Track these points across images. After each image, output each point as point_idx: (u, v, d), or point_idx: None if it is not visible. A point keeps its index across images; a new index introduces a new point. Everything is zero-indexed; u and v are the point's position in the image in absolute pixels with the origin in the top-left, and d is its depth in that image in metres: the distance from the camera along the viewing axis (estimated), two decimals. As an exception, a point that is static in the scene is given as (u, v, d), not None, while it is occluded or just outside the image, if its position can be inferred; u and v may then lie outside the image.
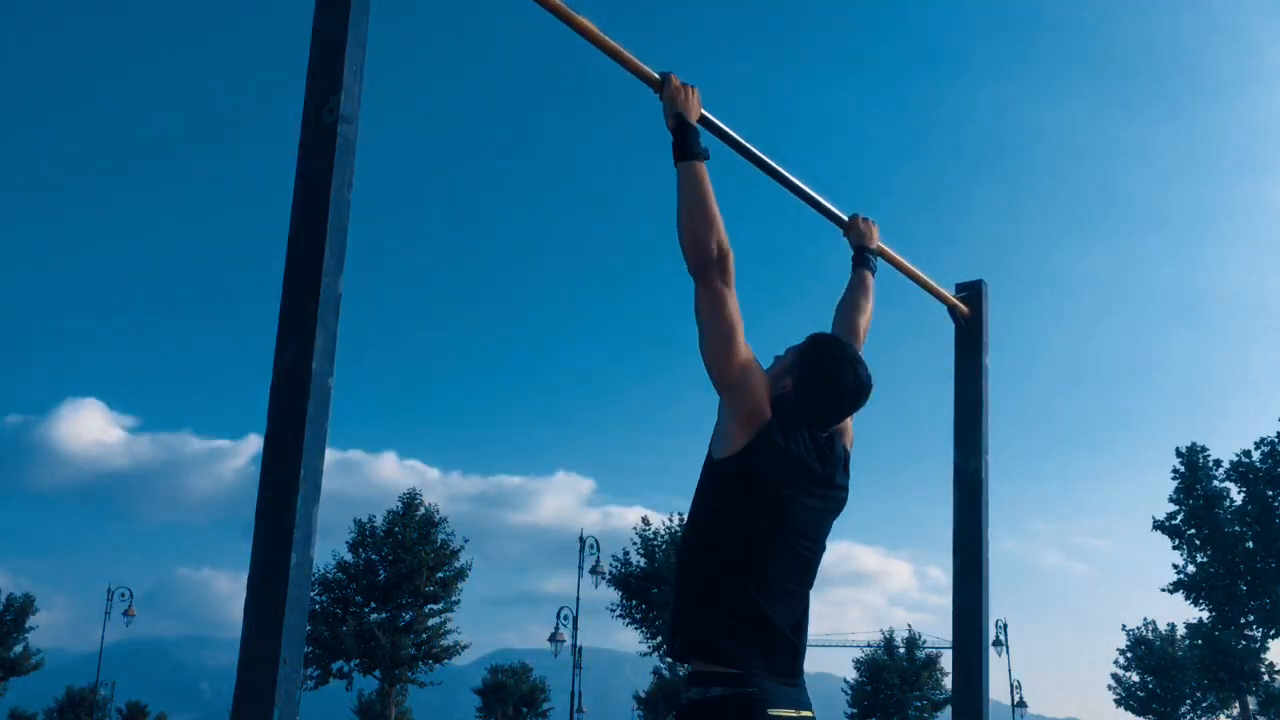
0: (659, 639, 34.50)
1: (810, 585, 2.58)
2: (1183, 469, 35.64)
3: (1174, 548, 35.19)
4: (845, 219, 3.50)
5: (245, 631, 1.93)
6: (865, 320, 3.22)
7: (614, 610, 35.59)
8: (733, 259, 2.45)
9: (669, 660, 35.08)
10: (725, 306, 2.42)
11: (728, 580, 2.42)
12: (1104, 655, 42.38)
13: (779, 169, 3.21)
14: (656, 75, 2.73)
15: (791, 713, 2.41)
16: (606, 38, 2.69)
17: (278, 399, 2.02)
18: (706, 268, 2.42)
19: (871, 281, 3.36)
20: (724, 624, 2.40)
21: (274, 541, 1.94)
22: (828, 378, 2.57)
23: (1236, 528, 34.62)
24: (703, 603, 2.44)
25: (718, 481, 2.47)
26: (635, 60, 2.72)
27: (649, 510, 39.22)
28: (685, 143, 2.59)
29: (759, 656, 2.39)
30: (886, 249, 3.57)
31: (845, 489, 2.66)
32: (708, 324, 2.42)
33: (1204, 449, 35.82)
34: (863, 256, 3.42)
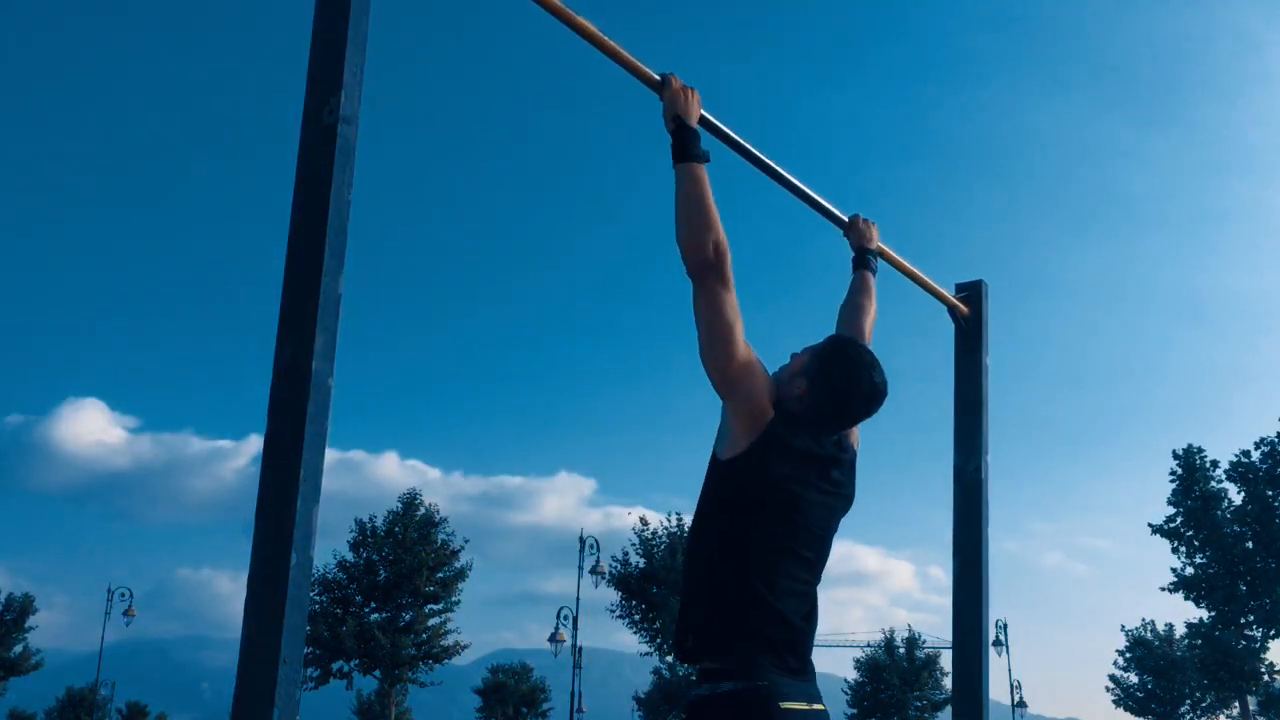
0: (659, 639, 34.51)
1: (818, 580, 2.57)
2: (1180, 470, 35.66)
3: (1172, 550, 35.21)
4: (845, 219, 3.51)
5: (245, 631, 1.93)
6: (869, 322, 3.22)
7: (614, 610, 35.60)
8: (730, 259, 2.43)
9: (669, 660, 35.09)
10: (724, 306, 2.41)
11: (738, 578, 2.41)
12: (1104, 655, 42.42)
13: (779, 170, 3.21)
14: (657, 77, 2.73)
15: (803, 705, 2.39)
16: (607, 39, 2.69)
17: (278, 399, 2.02)
18: (704, 268, 2.42)
19: (873, 283, 3.37)
20: (734, 621, 2.40)
21: (274, 541, 1.93)
22: (845, 382, 2.54)
23: (1236, 528, 34.62)
24: (712, 601, 2.43)
25: (725, 481, 2.46)
26: (636, 62, 2.72)
27: (650, 511, 39.20)
28: (684, 144, 2.59)
29: (769, 653, 2.38)
30: (886, 249, 3.57)
31: (853, 486, 2.65)
32: (706, 324, 2.41)
33: (1201, 450, 35.84)
34: (863, 257, 3.42)
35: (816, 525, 2.51)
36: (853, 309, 3.26)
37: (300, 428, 1.96)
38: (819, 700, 2.47)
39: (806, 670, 2.47)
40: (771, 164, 3.18)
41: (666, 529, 35.75)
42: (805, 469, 2.47)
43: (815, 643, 2.52)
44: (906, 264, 3.72)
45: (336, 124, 2.10)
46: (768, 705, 2.33)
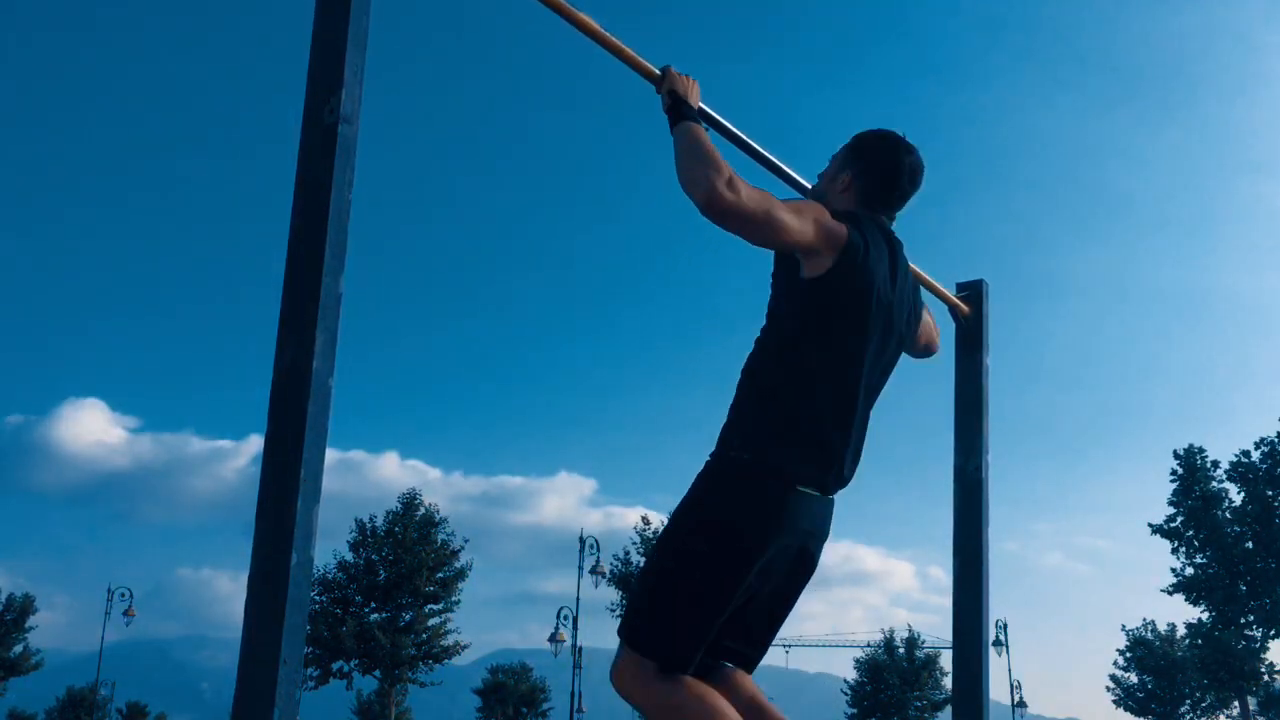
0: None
1: (869, 409, 2.61)
2: (1180, 471, 35.68)
3: (1172, 551, 35.23)
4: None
5: (245, 631, 1.92)
6: None
7: (614, 610, 35.59)
8: (733, 170, 2.36)
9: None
10: (754, 212, 2.33)
11: (799, 389, 2.45)
12: (1105, 655, 42.46)
13: (777, 162, 3.21)
14: (657, 70, 2.73)
15: (818, 493, 2.46)
16: (607, 33, 2.69)
17: (278, 399, 2.01)
18: (714, 189, 2.31)
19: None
20: (780, 427, 2.43)
21: (274, 541, 1.93)
22: (888, 159, 2.65)
23: (1236, 528, 34.64)
24: (763, 407, 2.45)
25: (804, 297, 2.47)
26: (635, 55, 2.72)
27: (652, 511, 39.21)
28: (679, 110, 2.59)
29: (799, 450, 2.43)
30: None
31: (920, 316, 2.79)
32: (755, 230, 2.35)
33: (1202, 450, 35.86)
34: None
35: (882, 350, 2.57)
36: None
37: (300, 428, 1.96)
38: (830, 509, 2.56)
39: (834, 481, 2.52)
40: (770, 156, 3.17)
41: (666, 529, 35.73)
42: (879, 297, 2.51)
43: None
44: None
45: (337, 124, 2.10)
46: (784, 482, 2.40)
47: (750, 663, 2.60)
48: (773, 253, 2.53)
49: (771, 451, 2.41)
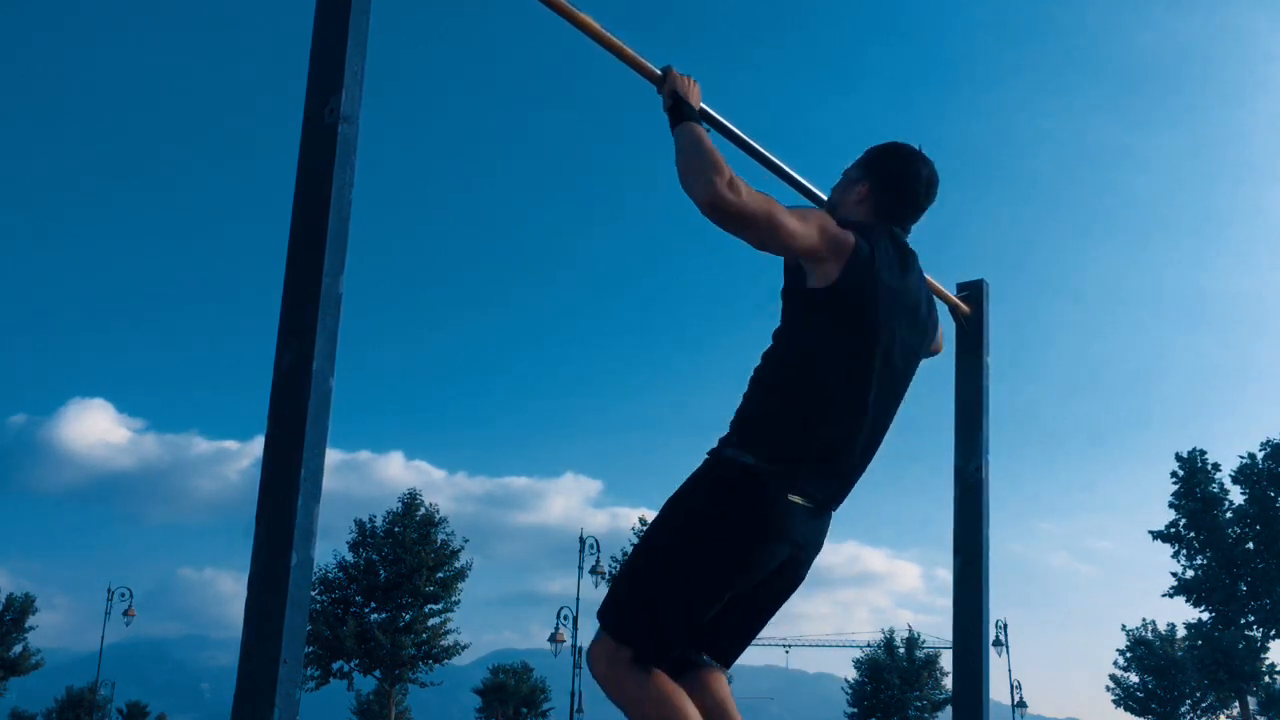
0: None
1: (888, 423, 2.58)
2: (1182, 473, 35.70)
3: (1172, 555, 35.26)
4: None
5: (245, 631, 1.92)
6: None
7: (614, 610, 35.57)
8: (734, 172, 2.35)
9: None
10: (755, 212, 2.32)
11: (808, 403, 2.42)
12: (1105, 655, 42.45)
13: (779, 163, 3.21)
14: (658, 71, 2.73)
15: (814, 507, 2.44)
16: (608, 33, 2.69)
17: (278, 400, 2.01)
18: (715, 190, 2.30)
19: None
20: (786, 437, 2.40)
21: (274, 541, 1.93)
22: (904, 170, 2.64)
23: (1237, 529, 34.66)
24: (770, 416, 2.43)
25: (814, 308, 2.44)
26: (636, 56, 2.72)
27: (653, 511, 39.15)
28: (680, 111, 2.59)
29: (805, 460, 2.40)
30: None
31: (936, 326, 2.75)
32: (757, 233, 2.34)
33: (1204, 453, 35.90)
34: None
35: (898, 360, 2.53)
36: None
37: (301, 428, 1.95)
38: (825, 525, 2.54)
39: (832, 504, 2.51)
40: (771, 157, 3.17)
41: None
42: (894, 302, 2.48)
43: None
44: (907, 264, 3.71)
45: (337, 124, 2.10)
46: (774, 486, 2.37)
47: (728, 659, 2.58)
48: (783, 263, 2.52)
49: (774, 459, 2.39)
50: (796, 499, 2.40)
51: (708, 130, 2.59)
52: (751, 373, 2.54)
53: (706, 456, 2.46)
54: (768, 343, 2.55)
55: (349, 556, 35.13)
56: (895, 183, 2.63)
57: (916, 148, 2.71)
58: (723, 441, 2.45)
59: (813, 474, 2.42)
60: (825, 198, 3.42)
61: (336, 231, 2.07)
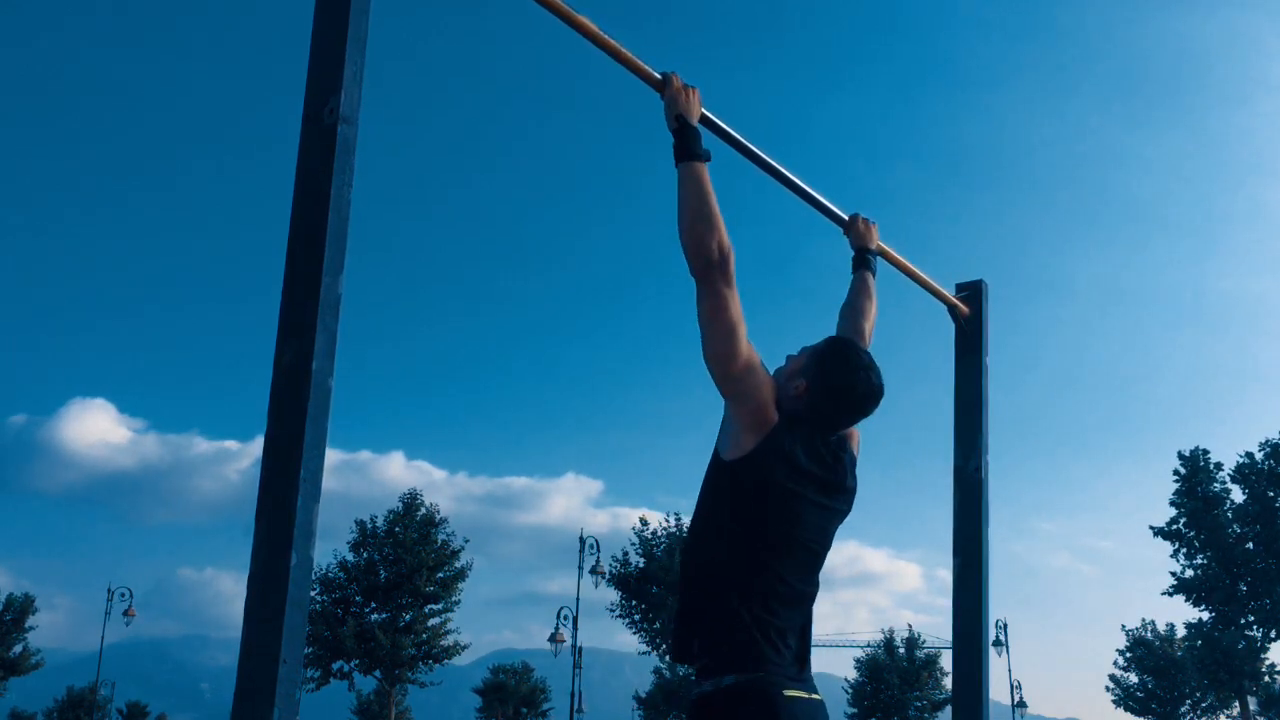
0: (659, 639, 34.49)
1: (817, 587, 2.57)
2: (1184, 471, 35.69)
3: (1172, 554, 35.25)
4: (846, 219, 3.50)
5: (245, 631, 1.92)
6: (870, 324, 3.23)
7: (614, 610, 35.59)
8: (734, 259, 2.43)
9: (669, 660, 35.06)
10: (727, 307, 2.40)
11: (738, 580, 2.42)
12: (1104, 655, 42.41)
13: (780, 168, 3.21)
14: (658, 75, 2.72)
15: (804, 694, 2.41)
16: (608, 37, 2.69)
17: (278, 399, 2.01)
18: (708, 268, 2.41)
19: (873, 284, 3.37)
20: (734, 622, 2.40)
21: (274, 541, 1.93)
22: (842, 382, 2.57)
23: (1237, 528, 34.65)
24: (712, 602, 2.43)
25: (726, 483, 2.46)
26: (637, 60, 2.71)
27: (654, 511, 39.20)
28: (686, 143, 2.59)
29: (769, 647, 2.39)
30: (887, 249, 3.56)
31: (853, 493, 2.65)
32: (710, 325, 2.41)
33: (1206, 451, 35.89)
34: (863, 258, 3.42)
35: (816, 531, 2.52)
36: (853, 311, 3.26)
37: (300, 428, 1.96)
38: (817, 693, 2.49)
39: (805, 668, 2.49)
40: (772, 162, 3.18)
41: (666, 529, 35.74)
42: (807, 475, 2.47)
43: (817, 643, 2.53)
44: (907, 263, 3.72)
45: (336, 124, 2.10)
46: (770, 693, 2.35)
47: None
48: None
49: (751, 664, 2.37)
50: (793, 694, 2.38)
51: (707, 129, 2.59)
52: (680, 570, 2.54)
53: (696, 696, 2.42)
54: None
55: (349, 556, 35.11)
56: (832, 395, 2.56)
57: (863, 355, 2.66)
58: (700, 670, 2.42)
59: (786, 659, 2.41)
60: (823, 199, 3.43)
61: (336, 231, 2.07)
